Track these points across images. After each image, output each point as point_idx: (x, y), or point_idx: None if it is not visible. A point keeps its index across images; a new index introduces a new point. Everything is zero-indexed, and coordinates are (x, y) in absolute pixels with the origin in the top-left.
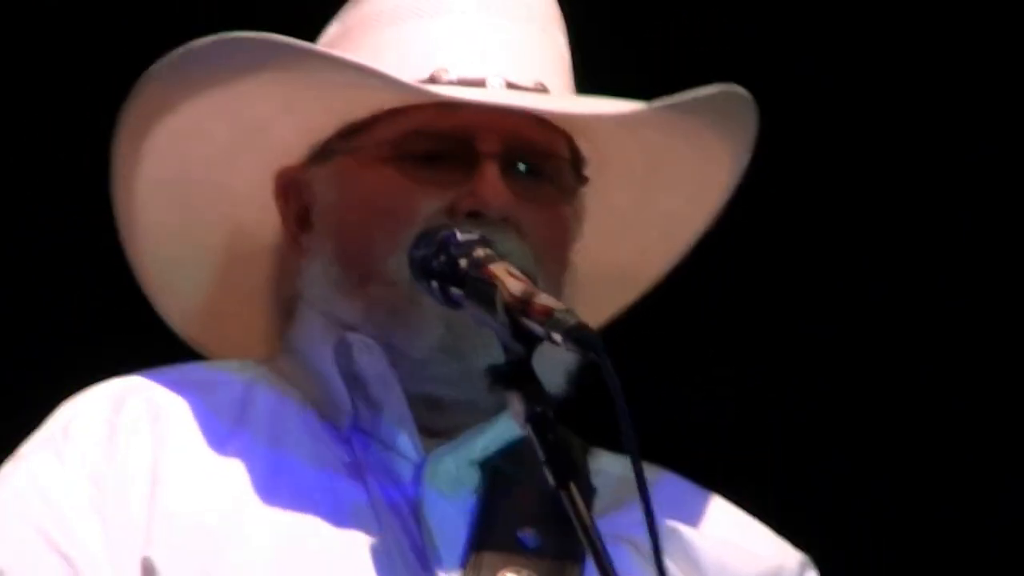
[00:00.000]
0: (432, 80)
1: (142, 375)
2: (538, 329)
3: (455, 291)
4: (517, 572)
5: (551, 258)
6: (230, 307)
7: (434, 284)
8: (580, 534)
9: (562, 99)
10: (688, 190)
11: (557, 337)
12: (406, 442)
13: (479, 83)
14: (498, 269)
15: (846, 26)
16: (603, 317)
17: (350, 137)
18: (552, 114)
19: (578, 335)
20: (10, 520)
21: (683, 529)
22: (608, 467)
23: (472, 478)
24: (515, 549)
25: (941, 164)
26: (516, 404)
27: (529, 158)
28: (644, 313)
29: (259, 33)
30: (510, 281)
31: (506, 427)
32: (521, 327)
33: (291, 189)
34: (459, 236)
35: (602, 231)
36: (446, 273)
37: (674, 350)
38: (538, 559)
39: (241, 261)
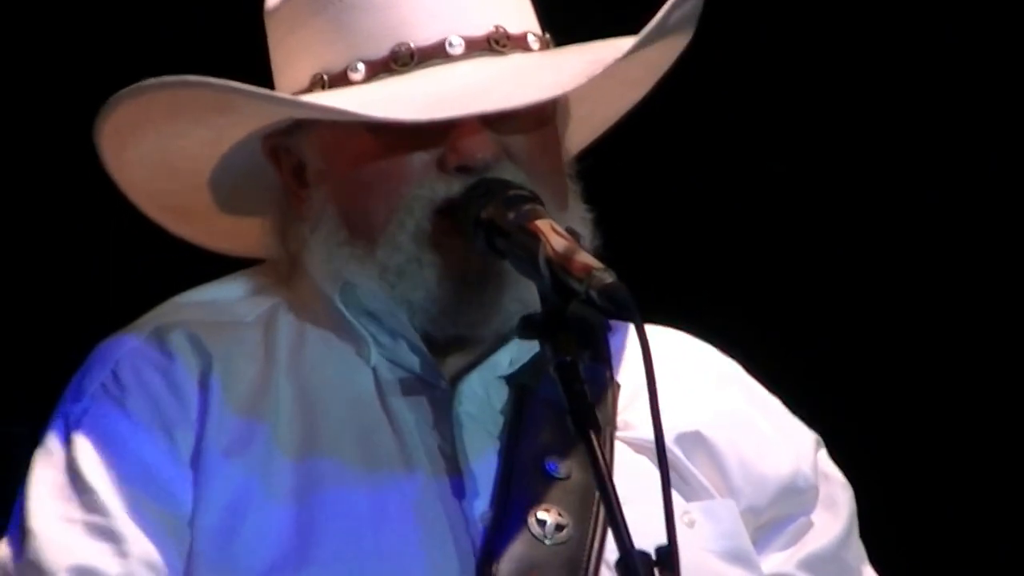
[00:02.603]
0: (393, 57)
1: (174, 313)
2: (576, 285)
3: (500, 241)
4: (546, 510)
5: (548, 176)
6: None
7: (480, 233)
8: (597, 488)
9: (511, 77)
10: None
11: (593, 294)
12: (428, 368)
13: (439, 48)
14: (543, 225)
15: (850, 10)
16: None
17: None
18: (509, 104)
19: (613, 295)
20: (104, 483)
21: (705, 427)
22: (628, 341)
23: (500, 396)
24: (542, 480)
25: (941, 149)
26: (547, 352)
27: None
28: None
29: (216, 81)
30: (554, 237)
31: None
32: (560, 282)
33: (280, 151)
34: (510, 190)
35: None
36: (493, 223)
37: None
38: (564, 491)
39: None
